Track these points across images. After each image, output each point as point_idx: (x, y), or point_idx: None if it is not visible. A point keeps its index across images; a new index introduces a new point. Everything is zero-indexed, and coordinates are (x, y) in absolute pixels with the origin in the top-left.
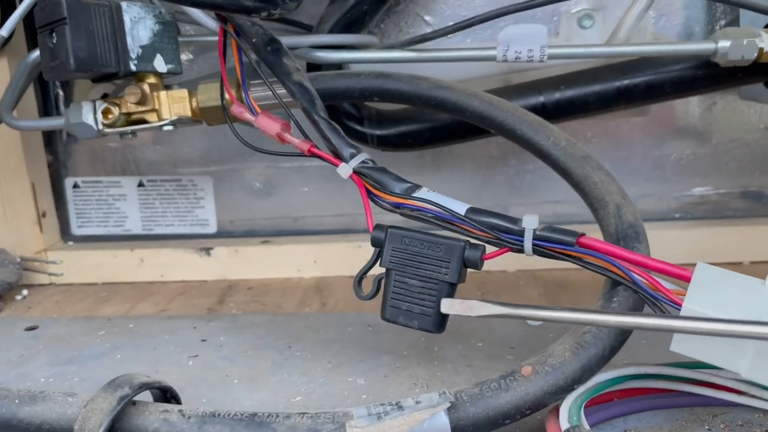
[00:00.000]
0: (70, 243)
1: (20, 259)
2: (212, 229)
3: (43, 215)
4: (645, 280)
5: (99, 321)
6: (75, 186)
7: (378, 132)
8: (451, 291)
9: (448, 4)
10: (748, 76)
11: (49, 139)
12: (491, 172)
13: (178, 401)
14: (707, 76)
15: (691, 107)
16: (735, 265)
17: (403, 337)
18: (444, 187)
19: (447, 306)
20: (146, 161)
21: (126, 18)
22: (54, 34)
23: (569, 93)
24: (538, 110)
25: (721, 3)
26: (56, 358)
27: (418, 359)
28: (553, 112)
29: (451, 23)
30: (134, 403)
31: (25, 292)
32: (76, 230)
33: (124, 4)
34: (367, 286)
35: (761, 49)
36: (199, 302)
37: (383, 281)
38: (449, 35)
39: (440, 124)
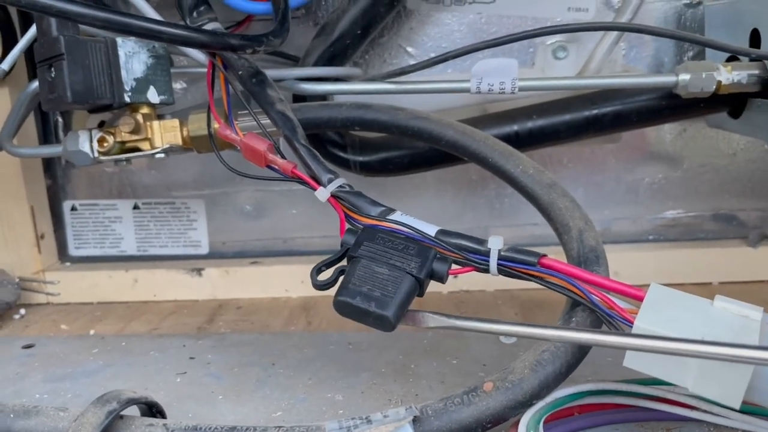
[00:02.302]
0: (68, 264)
1: (19, 280)
2: (204, 250)
3: (42, 237)
4: (601, 300)
5: (93, 339)
6: (73, 209)
7: (360, 158)
8: (412, 288)
9: (430, 37)
10: (710, 106)
11: (49, 163)
12: (472, 195)
13: (163, 416)
14: (671, 106)
15: (662, 134)
16: (705, 286)
17: (381, 355)
18: (426, 210)
19: None
20: (141, 185)
21: (121, 53)
22: (52, 69)
23: (541, 122)
24: (512, 138)
25: (680, 41)
26: (51, 375)
27: (394, 376)
28: (527, 140)
29: (432, 54)
30: (122, 417)
31: (23, 311)
32: (73, 251)
33: (119, 40)
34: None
35: (719, 82)
36: (190, 321)
37: (346, 271)
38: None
39: (419, 151)
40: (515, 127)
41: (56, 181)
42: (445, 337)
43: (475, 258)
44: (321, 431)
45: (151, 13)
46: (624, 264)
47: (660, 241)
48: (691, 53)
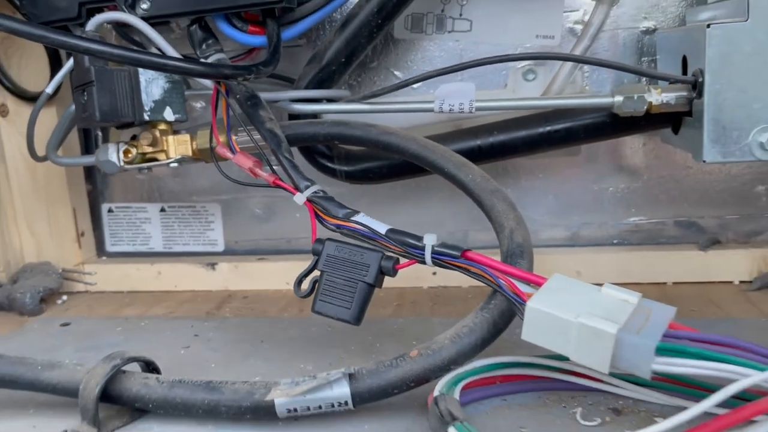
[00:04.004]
0: (104, 258)
1: (62, 270)
2: (220, 248)
3: (82, 234)
4: (507, 285)
5: (119, 320)
6: (109, 211)
7: (345, 168)
8: (367, 291)
9: (414, 62)
10: (651, 123)
11: (90, 171)
12: (453, 203)
13: (158, 373)
14: (615, 123)
15: (623, 147)
16: (660, 285)
17: (354, 336)
18: (411, 217)
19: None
20: (167, 190)
21: (142, 79)
22: (85, 93)
23: (501, 137)
24: (476, 152)
25: (594, 65)
26: (80, 346)
27: (361, 353)
28: (488, 154)
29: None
30: (124, 371)
31: (65, 297)
32: (109, 248)
33: (140, 69)
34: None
35: (650, 103)
36: (202, 307)
37: (317, 282)
38: (413, 86)
39: (395, 163)
40: (478, 142)
41: (96, 186)
42: (414, 324)
43: (415, 252)
44: (276, 385)
45: (165, 47)
46: (587, 265)
47: (623, 245)
48: None
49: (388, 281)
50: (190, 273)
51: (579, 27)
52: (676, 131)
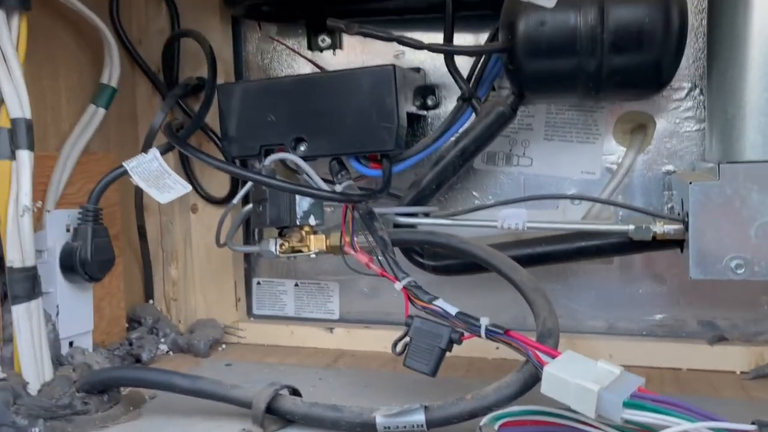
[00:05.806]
0: (252, 319)
1: (223, 326)
2: (336, 316)
3: (239, 300)
4: (534, 355)
5: (264, 364)
6: (258, 283)
7: (432, 263)
8: (441, 354)
9: (488, 186)
10: (660, 246)
11: (247, 255)
12: (516, 295)
13: (301, 397)
14: (632, 244)
15: (649, 257)
16: (676, 370)
17: (433, 389)
18: (480, 302)
19: None
20: (300, 270)
21: (297, 198)
22: (261, 206)
23: (547, 248)
24: (528, 258)
25: (612, 205)
26: (240, 380)
27: (435, 400)
28: (538, 260)
29: (490, 197)
30: (280, 394)
31: (224, 345)
32: (256, 311)
33: None
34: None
35: (655, 232)
36: (322, 360)
37: (408, 345)
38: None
39: (469, 262)
40: (530, 251)
41: (250, 264)
42: (476, 383)
43: (474, 329)
44: (378, 410)
45: (316, 179)
46: (620, 351)
47: (649, 336)
48: (670, 205)
49: (460, 352)
50: (314, 334)
51: (614, 166)
52: (682, 251)
